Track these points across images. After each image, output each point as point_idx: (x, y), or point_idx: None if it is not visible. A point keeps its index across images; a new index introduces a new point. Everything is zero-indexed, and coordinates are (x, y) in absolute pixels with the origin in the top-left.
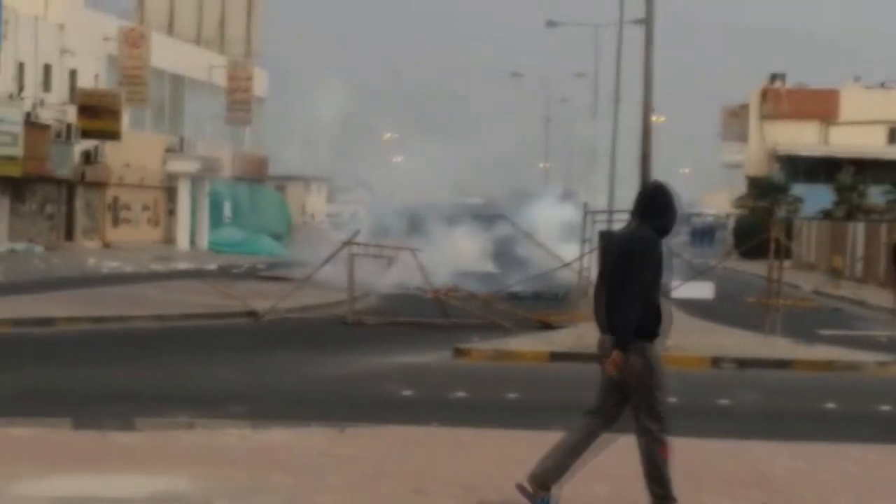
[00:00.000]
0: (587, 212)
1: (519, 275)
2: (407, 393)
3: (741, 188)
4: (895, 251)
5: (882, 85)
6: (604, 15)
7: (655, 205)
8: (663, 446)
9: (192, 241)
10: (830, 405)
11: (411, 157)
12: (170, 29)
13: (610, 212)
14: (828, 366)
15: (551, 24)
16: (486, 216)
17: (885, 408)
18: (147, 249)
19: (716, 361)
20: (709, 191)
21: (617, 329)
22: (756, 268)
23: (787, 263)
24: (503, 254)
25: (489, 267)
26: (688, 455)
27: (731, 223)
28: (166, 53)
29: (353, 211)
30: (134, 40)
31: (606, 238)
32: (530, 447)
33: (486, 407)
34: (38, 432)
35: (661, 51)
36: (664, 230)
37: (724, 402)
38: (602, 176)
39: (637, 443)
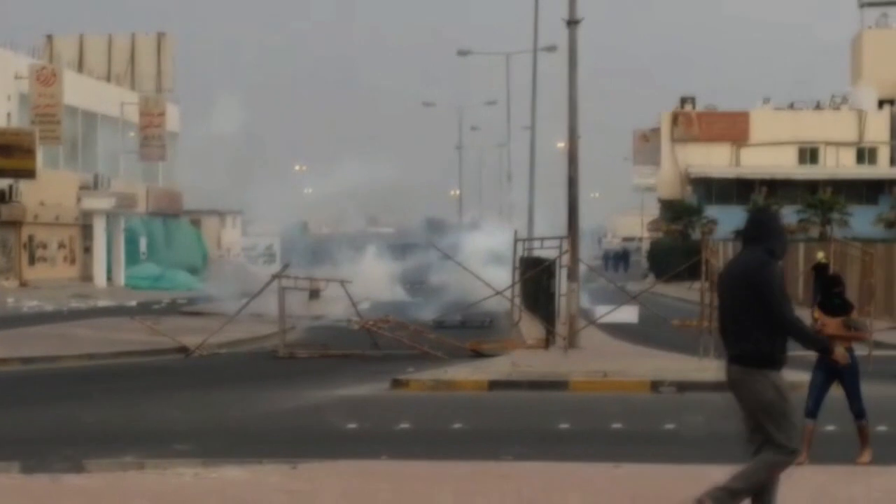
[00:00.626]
0: (517, 239)
1: (436, 303)
2: (351, 426)
3: (653, 211)
4: (816, 271)
5: (791, 106)
6: (513, 44)
7: (767, 229)
8: (780, 469)
9: (109, 278)
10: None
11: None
12: (80, 66)
13: (541, 239)
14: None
15: (462, 52)
16: (400, 245)
17: (830, 428)
18: (64, 287)
19: (655, 385)
20: (619, 214)
21: (802, 338)
22: (673, 290)
23: (705, 285)
24: (419, 282)
25: (405, 296)
26: (646, 481)
27: (643, 246)
28: (78, 90)
29: (268, 243)
30: (45, 78)
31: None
32: (487, 478)
33: (432, 438)
34: None
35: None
36: (774, 253)
37: (670, 426)
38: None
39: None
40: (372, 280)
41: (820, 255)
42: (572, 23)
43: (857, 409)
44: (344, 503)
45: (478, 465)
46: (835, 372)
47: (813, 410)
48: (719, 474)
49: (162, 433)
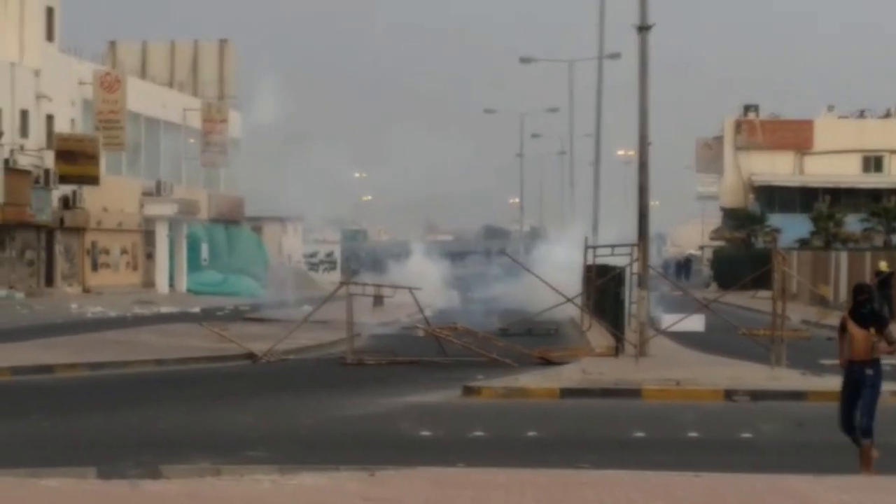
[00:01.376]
0: (588, 246)
1: (499, 310)
2: (425, 433)
3: (714, 219)
4: (878, 279)
5: (861, 114)
6: (574, 51)
7: None
8: None
9: (171, 284)
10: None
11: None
12: (142, 72)
13: (612, 245)
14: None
15: (525, 60)
16: (459, 252)
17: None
18: (127, 293)
19: (729, 394)
20: (680, 223)
21: None
22: (737, 299)
23: (766, 294)
24: (479, 289)
25: (466, 303)
26: (728, 491)
27: (705, 255)
28: (140, 97)
29: (329, 250)
30: (109, 84)
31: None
32: (567, 487)
33: (507, 446)
34: (66, 483)
35: (632, 85)
36: None
37: (746, 435)
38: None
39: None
40: (432, 287)
41: (882, 265)
42: (643, 28)
43: (865, 426)
44: None
45: (557, 473)
46: (856, 384)
47: (846, 425)
48: (799, 484)
49: (235, 439)
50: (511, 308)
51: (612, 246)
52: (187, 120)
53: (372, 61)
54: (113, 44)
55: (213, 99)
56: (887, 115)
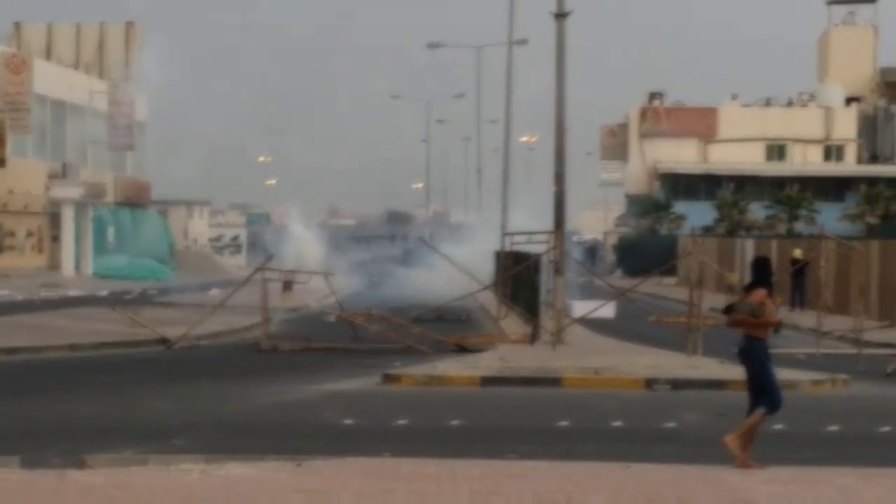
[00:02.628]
0: (505, 233)
1: (409, 295)
2: (348, 421)
3: (618, 206)
4: (794, 267)
5: (768, 102)
6: (484, 37)
7: None
8: None
9: (77, 268)
10: (778, 426)
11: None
12: (48, 54)
13: (530, 233)
14: None
15: (433, 45)
16: (365, 236)
17: (834, 428)
18: (32, 276)
19: (649, 383)
20: (583, 209)
21: None
22: (643, 285)
23: (671, 280)
24: (385, 275)
25: (374, 287)
26: (659, 482)
27: (609, 241)
28: (46, 79)
29: (234, 234)
30: (15, 66)
31: None
32: (501, 478)
33: (432, 435)
34: None
35: (532, 72)
36: None
37: (670, 424)
38: (490, 195)
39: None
40: (338, 271)
41: (797, 252)
42: (560, 16)
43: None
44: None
45: (488, 464)
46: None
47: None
48: (733, 476)
49: (157, 427)
50: (422, 294)
51: (530, 233)
52: (94, 102)
53: (279, 46)
54: (18, 25)
55: (119, 82)
56: (789, 103)
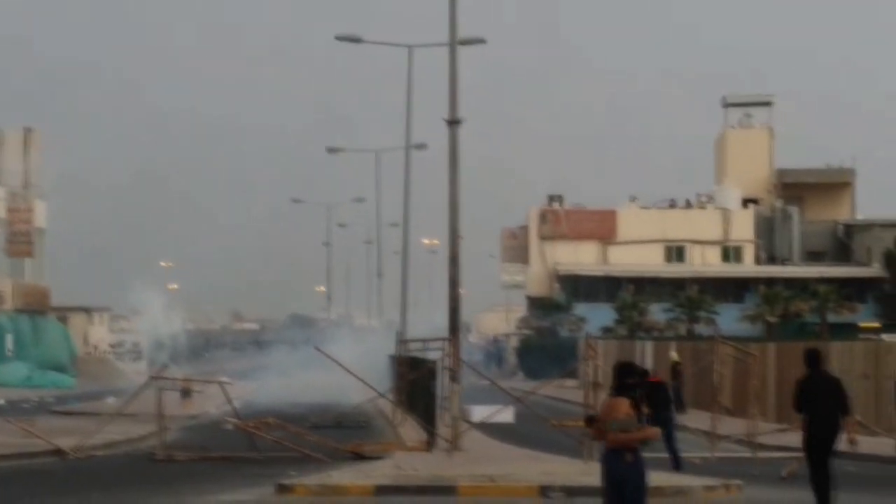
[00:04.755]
0: (400, 340)
1: (309, 403)
2: None
3: (520, 308)
4: (673, 369)
5: (672, 204)
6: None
7: None
8: None
9: None
10: None
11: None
12: None
13: (424, 340)
14: (657, 492)
15: (332, 150)
16: (266, 341)
17: None
18: None
19: (544, 490)
20: (484, 311)
21: None
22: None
23: (573, 382)
24: (288, 380)
25: (275, 394)
26: None
27: (511, 344)
28: None
29: (135, 340)
30: None
31: None
32: None
33: None
34: None
35: (437, 176)
36: None
37: None
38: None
39: None
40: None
41: (673, 355)
42: (453, 123)
43: None
44: None
45: None
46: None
47: None
48: None
49: None
50: (320, 400)
51: (425, 340)
52: None
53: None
54: None
55: (17, 188)
56: (688, 205)
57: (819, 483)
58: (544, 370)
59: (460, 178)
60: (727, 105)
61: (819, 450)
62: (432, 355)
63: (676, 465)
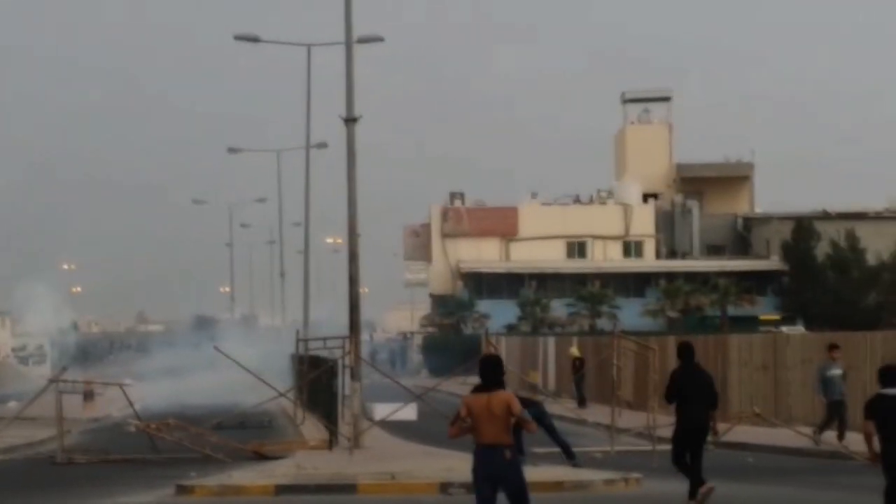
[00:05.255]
0: (299, 339)
1: (213, 403)
2: None
3: (424, 306)
4: (574, 364)
5: (577, 199)
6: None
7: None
8: None
9: None
10: None
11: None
12: None
13: (324, 339)
14: (557, 486)
15: (233, 150)
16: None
17: None
18: None
19: (444, 486)
20: (389, 309)
21: None
22: (447, 385)
23: (476, 379)
24: (191, 381)
25: (179, 396)
26: None
27: (415, 341)
28: None
29: (38, 343)
30: None
31: None
32: None
33: None
34: None
35: (339, 174)
36: None
37: None
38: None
39: None
40: (146, 379)
41: (573, 350)
42: (350, 120)
43: None
44: None
45: None
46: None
47: None
48: None
49: None
50: (223, 401)
51: (324, 339)
52: None
53: (77, 151)
54: None
55: None
56: (589, 201)
57: (682, 465)
58: (448, 367)
59: (358, 175)
60: (626, 101)
61: (689, 440)
62: (336, 354)
63: (569, 454)
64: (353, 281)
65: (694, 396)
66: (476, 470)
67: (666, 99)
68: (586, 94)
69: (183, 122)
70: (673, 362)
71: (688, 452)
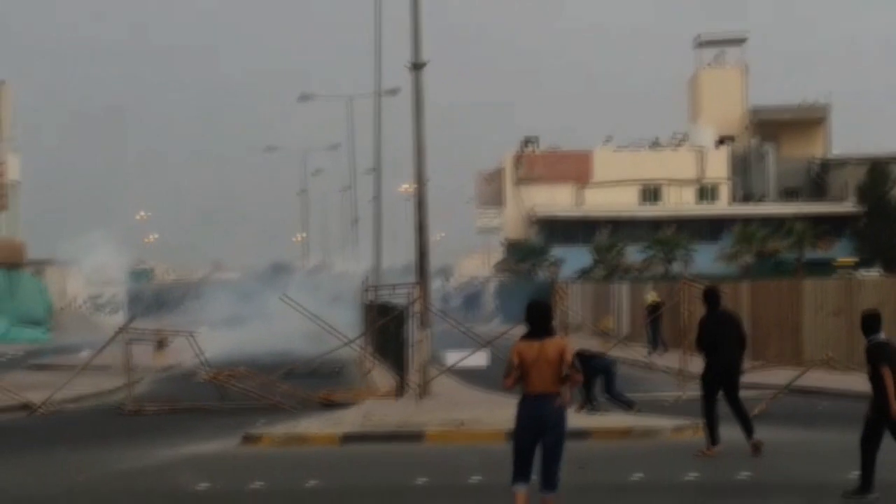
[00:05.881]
0: (367, 286)
1: (286, 350)
2: (203, 486)
3: (498, 252)
4: (650, 309)
5: (656, 142)
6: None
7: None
8: None
9: None
10: (636, 476)
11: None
12: None
13: (392, 285)
14: (625, 433)
15: (304, 97)
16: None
17: (692, 476)
18: None
19: (510, 434)
20: (465, 255)
21: None
22: (521, 332)
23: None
24: (266, 329)
25: (256, 343)
26: None
27: (489, 288)
28: None
29: (113, 293)
30: None
31: None
32: None
33: (287, 497)
34: None
35: (408, 121)
36: None
37: None
38: (366, 245)
39: None
40: (218, 327)
41: (650, 296)
42: (417, 66)
43: (549, 479)
44: None
45: None
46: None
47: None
48: None
49: (5, 500)
50: (294, 349)
51: (392, 286)
52: None
53: (152, 102)
54: None
55: None
56: (655, 144)
57: (712, 422)
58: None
59: (431, 122)
60: (700, 44)
61: (720, 382)
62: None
63: (629, 404)
64: (422, 228)
65: (723, 341)
66: (520, 419)
67: (740, 41)
68: (659, 38)
69: (255, 70)
70: (742, 307)
71: (722, 396)
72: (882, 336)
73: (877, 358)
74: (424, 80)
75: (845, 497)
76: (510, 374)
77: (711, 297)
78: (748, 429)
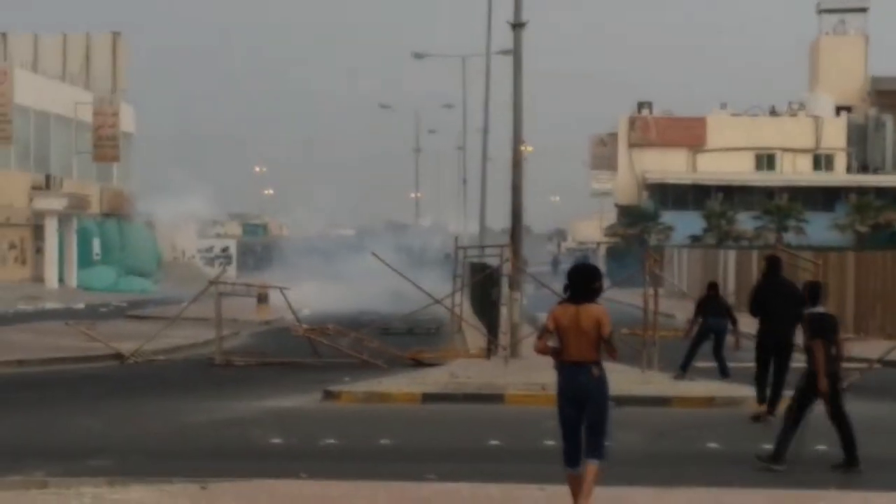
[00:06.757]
0: (458, 247)
1: (389, 308)
2: (275, 441)
3: (611, 216)
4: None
5: (772, 110)
6: (470, 46)
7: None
8: None
9: (61, 279)
10: (713, 445)
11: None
12: (34, 66)
13: (481, 247)
14: (708, 402)
15: (418, 55)
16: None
17: (767, 447)
18: (15, 288)
19: None
20: (578, 219)
21: None
22: (627, 296)
23: (659, 292)
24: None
25: (359, 301)
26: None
27: (601, 252)
28: (30, 90)
29: (224, 245)
30: None
31: None
32: (405, 501)
33: (358, 455)
34: None
35: (529, 82)
36: None
37: (606, 443)
38: (473, 206)
39: None
40: (327, 285)
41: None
42: (518, 26)
43: (592, 448)
44: None
45: (397, 486)
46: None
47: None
48: (643, 497)
49: (79, 447)
50: (396, 306)
51: (482, 247)
52: (79, 114)
53: (265, 56)
54: (3, 35)
55: (105, 93)
56: (774, 112)
57: (762, 382)
58: (632, 278)
59: (546, 85)
60: (822, 11)
61: (771, 354)
62: (492, 262)
63: (724, 372)
64: (517, 189)
65: (777, 310)
66: (561, 389)
67: (863, 10)
68: (781, 3)
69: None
70: (846, 278)
71: (772, 366)
72: (821, 308)
73: (813, 330)
74: (526, 39)
75: (758, 460)
76: (542, 336)
77: (771, 264)
78: (772, 401)
